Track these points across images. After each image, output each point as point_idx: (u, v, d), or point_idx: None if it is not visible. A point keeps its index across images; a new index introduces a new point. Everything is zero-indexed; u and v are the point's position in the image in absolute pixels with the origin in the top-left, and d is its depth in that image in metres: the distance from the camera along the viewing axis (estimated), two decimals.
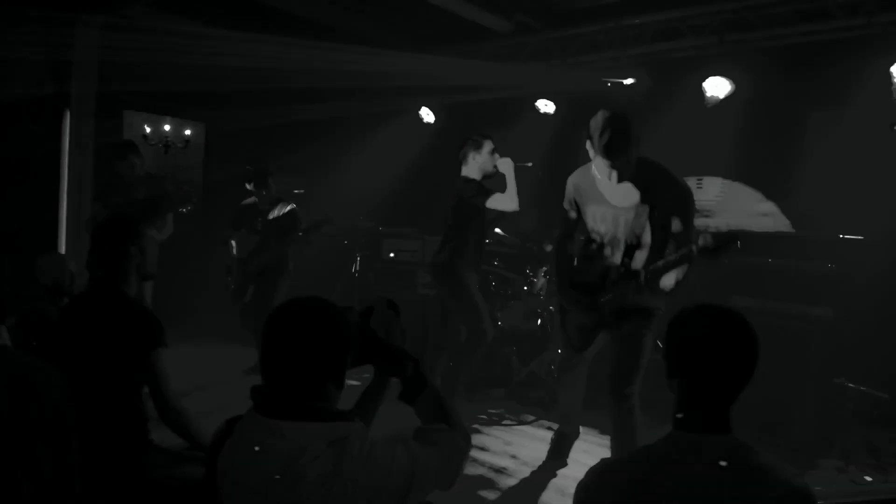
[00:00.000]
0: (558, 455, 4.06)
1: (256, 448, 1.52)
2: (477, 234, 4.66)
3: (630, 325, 3.41)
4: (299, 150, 7.90)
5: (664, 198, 3.34)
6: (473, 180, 4.60)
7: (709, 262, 3.13)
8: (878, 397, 4.35)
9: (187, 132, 8.09)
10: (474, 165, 4.62)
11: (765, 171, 6.03)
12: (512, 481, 3.89)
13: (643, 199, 3.33)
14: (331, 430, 1.52)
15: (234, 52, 5.95)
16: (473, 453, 4.09)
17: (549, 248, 5.49)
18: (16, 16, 5.38)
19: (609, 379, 3.49)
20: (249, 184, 5.67)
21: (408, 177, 7.96)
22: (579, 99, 6.56)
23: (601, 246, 3.50)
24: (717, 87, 6.03)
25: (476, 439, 4.40)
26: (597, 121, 3.25)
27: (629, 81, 6.66)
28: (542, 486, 3.83)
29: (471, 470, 3.88)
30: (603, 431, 4.36)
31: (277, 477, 1.46)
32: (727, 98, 6.04)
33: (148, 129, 7.82)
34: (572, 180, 3.65)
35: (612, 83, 6.56)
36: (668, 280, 3.27)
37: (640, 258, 3.39)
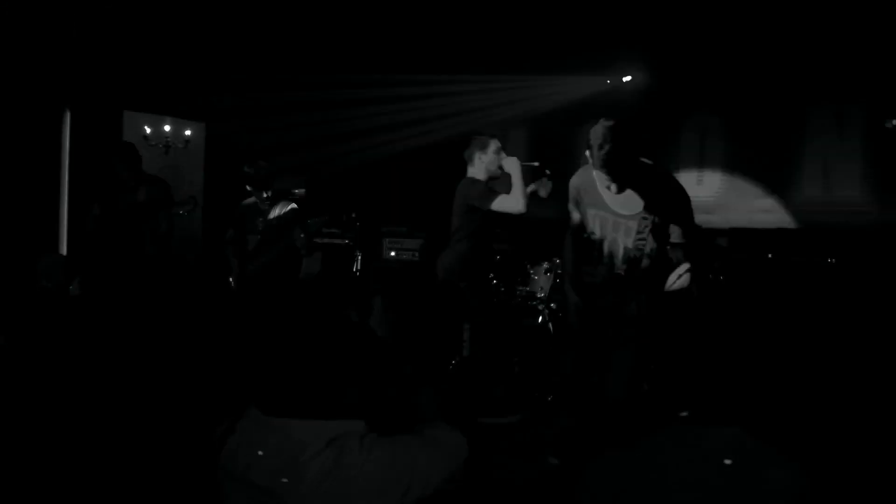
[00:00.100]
0: (559, 443, 4.05)
1: (257, 446, 1.53)
2: (483, 237, 4.57)
3: (629, 331, 3.41)
4: (299, 150, 7.91)
5: (666, 206, 3.30)
6: (479, 182, 4.50)
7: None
8: None
9: (187, 132, 8.09)
10: (480, 166, 4.53)
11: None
12: (511, 478, 3.90)
13: (645, 208, 3.29)
14: (331, 428, 1.53)
15: None
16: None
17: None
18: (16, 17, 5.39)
19: (610, 376, 3.49)
20: (249, 186, 5.66)
21: (407, 176, 7.98)
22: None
23: (601, 250, 3.49)
24: None
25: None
26: (597, 132, 3.14)
27: (627, 79, 6.68)
28: (544, 484, 3.83)
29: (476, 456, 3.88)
30: (603, 431, 4.34)
31: (278, 474, 1.47)
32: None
33: (148, 130, 7.83)
34: (574, 181, 3.63)
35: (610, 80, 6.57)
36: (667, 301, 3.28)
37: (640, 271, 3.37)
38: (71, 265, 4.51)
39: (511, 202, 4.30)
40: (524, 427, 4.57)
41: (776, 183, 6.40)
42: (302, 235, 5.59)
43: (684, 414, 1.62)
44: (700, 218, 3.68)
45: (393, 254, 7.19)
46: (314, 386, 1.56)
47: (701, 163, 6.93)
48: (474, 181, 4.50)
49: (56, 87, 6.08)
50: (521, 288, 5.75)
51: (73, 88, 6.28)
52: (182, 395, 4.70)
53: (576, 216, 3.65)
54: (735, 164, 6.74)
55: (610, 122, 3.14)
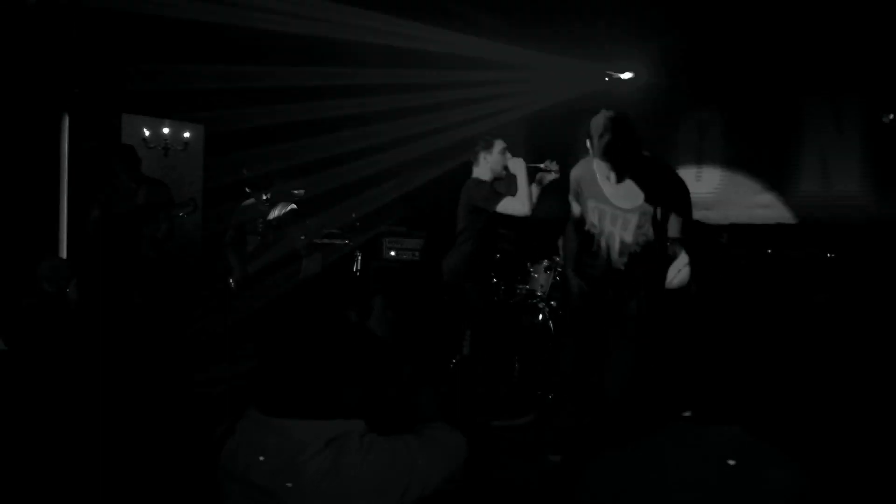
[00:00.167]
0: (559, 442, 4.06)
1: (257, 446, 1.54)
2: (488, 238, 4.52)
3: (629, 329, 3.41)
4: (299, 152, 7.91)
5: (666, 199, 3.31)
6: (485, 183, 4.44)
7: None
8: None
9: (186, 134, 8.10)
10: (485, 166, 4.47)
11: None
12: (507, 473, 3.90)
13: (646, 200, 3.30)
14: (330, 428, 1.53)
15: None
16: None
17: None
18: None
19: (609, 376, 3.50)
20: (248, 188, 5.66)
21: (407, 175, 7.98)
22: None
23: (598, 243, 3.49)
24: None
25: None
26: (597, 122, 3.17)
27: (627, 76, 6.68)
28: (544, 484, 3.84)
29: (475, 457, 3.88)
30: (603, 431, 4.34)
31: (277, 475, 1.48)
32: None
33: (147, 132, 7.84)
34: (574, 172, 3.63)
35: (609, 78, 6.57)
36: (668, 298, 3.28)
37: (641, 265, 3.38)
38: (74, 270, 4.52)
39: (516, 204, 4.24)
40: (525, 427, 4.58)
41: (775, 178, 6.41)
42: (302, 238, 5.60)
43: (687, 414, 1.62)
44: (699, 214, 3.69)
45: (393, 253, 7.20)
46: (313, 386, 1.57)
47: (700, 159, 6.94)
48: (479, 182, 4.45)
49: (54, 91, 6.08)
50: (521, 286, 5.75)
51: (72, 92, 6.28)
52: (182, 397, 4.72)
53: (576, 208, 3.65)
54: (734, 160, 6.75)
55: (610, 113, 3.18)
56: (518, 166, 4.27)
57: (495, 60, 7.36)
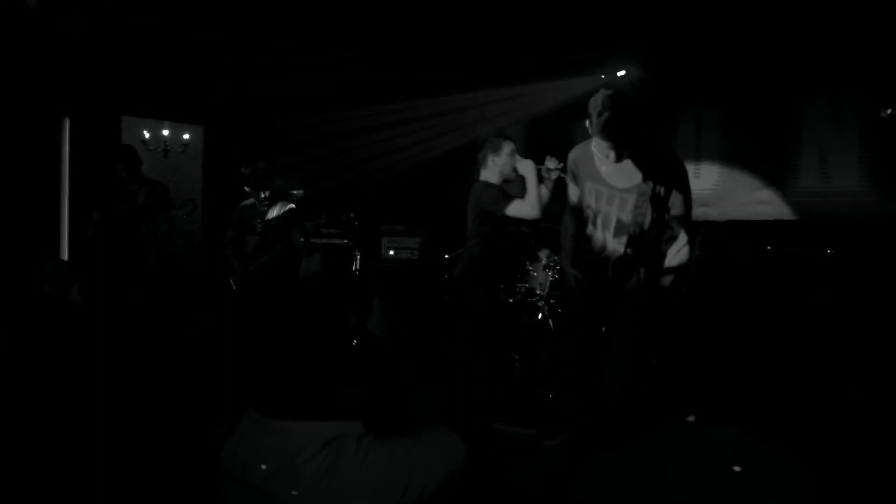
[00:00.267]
0: (555, 434, 4.06)
1: (255, 447, 1.54)
2: (497, 241, 4.43)
3: (630, 314, 3.41)
4: (298, 152, 7.92)
5: (665, 179, 3.31)
6: (493, 186, 4.34)
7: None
8: None
9: (186, 136, 8.12)
10: (493, 169, 4.37)
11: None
12: (510, 473, 3.91)
13: (644, 179, 3.30)
14: (328, 429, 1.53)
15: None
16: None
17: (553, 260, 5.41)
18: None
19: (609, 375, 3.51)
20: (247, 186, 5.66)
21: (407, 175, 7.99)
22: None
23: (595, 223, 3.49)
24: None
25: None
26: (596, 100, 3.19)
27: (621, 73, 6.67)
28: (544, 484, 3.85)
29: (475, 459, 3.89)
30: (606, 432, 4.32)
31: (275, 475, 1.49)
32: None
33: (147, 134, 7.86)
34: (572, 155, 3.63)
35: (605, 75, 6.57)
36: (667, 279, 3.27)
37: (640, 245, 3.38)
38: (73, 270, 4.53)
39: (525, 207, 4.14)
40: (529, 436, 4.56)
41: (774, 175, 6.41)
42: (302, 240, 5.61)
43: (691, 419, 1.63)
44: (698, 211, 3.68)
45: (392, 253, 7.20)
46: (311, 388, 1.57)
47: (698, 156, 6.94)
48: (487, 185, 4.37)
49: (55, 93, 6.09)
50: (520, 285, 5.75)
51: (72, 94, 6.28)
52: (182, 398, 4.73)
53: (573, 191, 3.65)
54: (732, 157, 6.74)
55: (609, 91, 3.20)
56: (527, 168, 4.17)
57: (493, 60, 7.37)
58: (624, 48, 6.79)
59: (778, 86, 6.24)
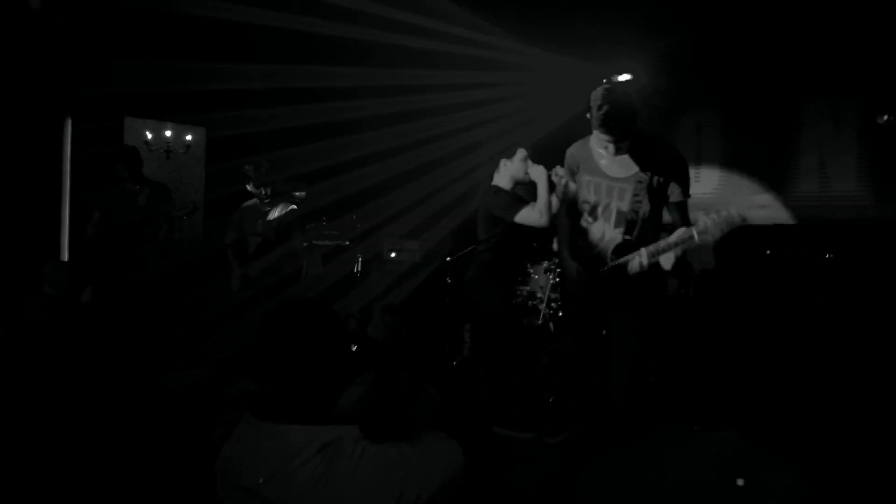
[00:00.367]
0: (556, 432, 4.07)
1: (251, 450, 1.55)
2: (506, 246, 4.44)
3: (631, 305, 3.41)
4: (300, 154, 7.92)
5: (663, 169, 3.35)
6: (503, 191, 4.35)
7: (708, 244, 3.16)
8: None
9: (188, 137, 8.13)
10: (505, 173, 4.39)
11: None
12: (511, 474, 3.92)
13: (642, 170, 3.35)
14: (324, 433, 1.53)
15: None
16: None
17: (556, 247, 5.38)
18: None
19: (613, 364, 3.52)
20: (249, 184, 5.67)
21: (407, 178, 8.00)
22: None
23: (594, 214, 3.51)
24: None
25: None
26: (597, 93, 3.27)
27: (624, 77, 6.69)
28: (545, 485, 3.86)
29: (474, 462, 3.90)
30: (607, 432, 4.32)
31: (269, 479, 1.49)
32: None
33: (149, 135, 7.87)
34: (571, 151, 3.68)
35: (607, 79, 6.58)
36: (668, 259, 3.27)
37: (638, 232, 3.40)
38: (75, 272, 4.53)
39: (535, 215, 4.09)
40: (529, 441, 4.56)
41: (773, 179, 6.42)
42: (305, 244, 5.61)
43: (696, 429, 1.64)
44: (697, 215, 3.69)
45: (393, 255, 7.20)
46: (307, 391, 1.58)
47: (698, 159, 6.95)
48: (498, 191, 4.38)
49: (57, 93, 6.10)
50: (521, 288, 5.76)
51: (75, 95, 6.30)
52: (180, 399, 4.74)
53: (571, 186, 3.68)
54: (732, 161, 6.76)
55: (610, 85, 3.29)
56: (539, 174, 4.11)
57: (493, 63, 7.39)
58: (626, 52, 6.80)
59: (778, 90, 6.25)
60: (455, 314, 6.02)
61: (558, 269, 5.41)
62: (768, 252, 5.06)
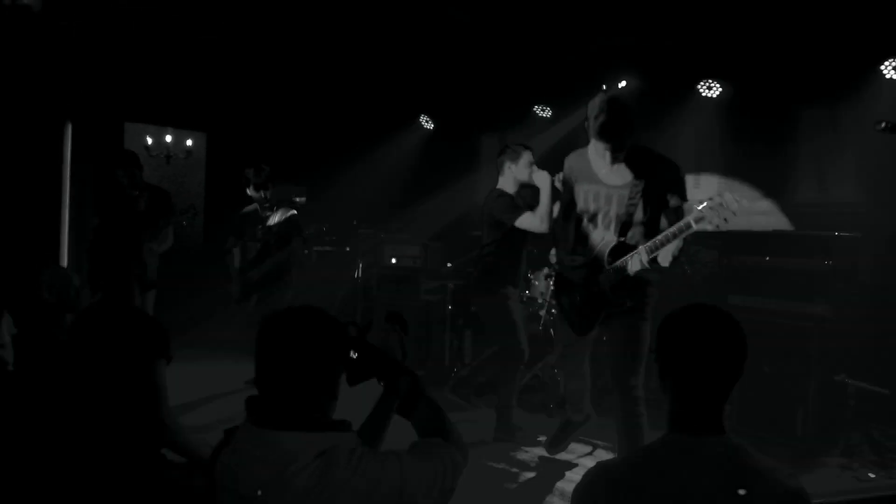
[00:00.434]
0: (557, 443, 4.07)
1: (248, 457, 1.54)
2: (512, 249, 4.47)
3: (629, 305, 3.41)
4: (301, 159, 7.94)
5: (658, 175, 3.38)
6: (506, 195, 4.39)
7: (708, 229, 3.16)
8: (879, 393, 4.34)
9: (189, 143, 8.15)
10: (510, 176, 4.42)
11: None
12: (513, 485, 3.91)
13: (637, 177, 3.38)
14: (321, 440, 1.53)
15: None
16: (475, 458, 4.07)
17: (553, 258, 5.37)
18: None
19: (611, 370, 3.52)
20: (249, 187, 5.67)
21: (408, 182, 8.01)
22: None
23: (594, 222, 3.52)
24: None
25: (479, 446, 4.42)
26: (594, 103, 3.30)
27: (622, 84, 6.70)
28: (545, 489, 3.85)
29: (476, 473, 3.89)
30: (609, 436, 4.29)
31: (265, 486, 1.48)
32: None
33: (150, 141, 7.89)
34: (568, 161, 3.70)
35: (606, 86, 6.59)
36: (666, 255, 3.27)
37: (634, 234, 3.41)
38: (73, 278, 4.52)
39: (535, 220, 4.14)
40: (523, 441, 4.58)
41: (773, 186, 6.42)
42: (306, 252, 5.60)
43: (676, 418, 1.63)
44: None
45: (394, 260, 7.19)
46: (307, 398, 1.57)
47: (698, 166, 6.95)
48: (501, 195, 4.40)
49: (58, 98, 6.10)
50: (522, 293, 5.76)
51: (75, 99, 6.30)
52: (186, 407, 4.73)
53: (567, 193, 3.70)
54: (732, 168, 6.75)
55: (607, 95, 3.32)
56: (543, 180, 4.13)
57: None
58: (624, 59, 6.81)
59: (777, 97, 6.25)
60: (458, 319, 6.03)
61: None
62: (767, 258, 5.02)
